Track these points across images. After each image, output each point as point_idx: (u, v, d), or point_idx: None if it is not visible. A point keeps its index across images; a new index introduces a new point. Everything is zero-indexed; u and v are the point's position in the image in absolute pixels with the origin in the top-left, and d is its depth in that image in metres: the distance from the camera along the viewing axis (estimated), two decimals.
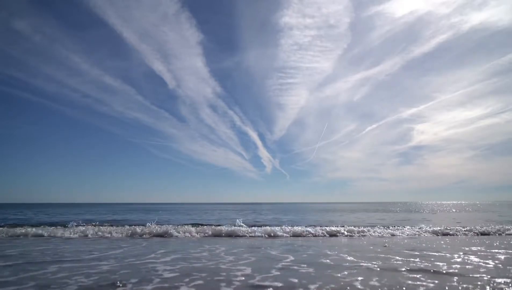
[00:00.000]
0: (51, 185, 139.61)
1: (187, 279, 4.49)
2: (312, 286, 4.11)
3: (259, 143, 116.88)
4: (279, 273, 4.93)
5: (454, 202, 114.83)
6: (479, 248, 7.60)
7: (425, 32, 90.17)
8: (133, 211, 34.37)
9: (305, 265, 5.50)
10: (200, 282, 4.37)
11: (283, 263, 5.71)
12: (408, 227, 12.50)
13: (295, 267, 5.36)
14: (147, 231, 10.65)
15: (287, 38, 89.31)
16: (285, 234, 10.47)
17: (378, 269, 5.18)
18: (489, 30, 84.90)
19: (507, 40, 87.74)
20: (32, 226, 12.74)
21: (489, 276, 4.60)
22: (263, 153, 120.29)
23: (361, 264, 5.60)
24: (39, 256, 6.54)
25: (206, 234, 10.50)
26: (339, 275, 4.75)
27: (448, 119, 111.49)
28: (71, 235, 10.34)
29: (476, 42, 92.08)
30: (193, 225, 13.05)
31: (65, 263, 5.70)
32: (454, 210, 35.30)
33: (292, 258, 6.28)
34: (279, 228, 11.27)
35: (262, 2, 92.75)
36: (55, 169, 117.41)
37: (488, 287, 4.01)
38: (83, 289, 4.03)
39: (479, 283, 4.23)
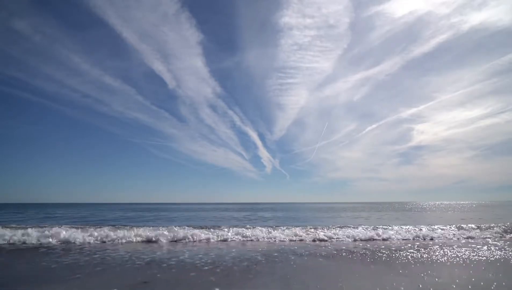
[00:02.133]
0: (51, 185, 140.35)
1: None
2: None
3: (259, 143, 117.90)
4: None
5: (452, 202, 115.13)
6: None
7: (425, 32, 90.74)
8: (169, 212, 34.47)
9: None
10: None
11: None
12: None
13: None
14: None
15: (287, 38, 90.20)
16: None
17: None
18: (489, 30, 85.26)
19: (507, 40, 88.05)
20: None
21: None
22: (263, 153, 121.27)
23: None
24: None
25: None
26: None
27: (448, 119, 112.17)
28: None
29: (476, 42, 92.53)
30: None
31: None
32: (429, 212, 34.85)
33: None
34: None
35: (262, 2, 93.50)
36: (55, 169, 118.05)
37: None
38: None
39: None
